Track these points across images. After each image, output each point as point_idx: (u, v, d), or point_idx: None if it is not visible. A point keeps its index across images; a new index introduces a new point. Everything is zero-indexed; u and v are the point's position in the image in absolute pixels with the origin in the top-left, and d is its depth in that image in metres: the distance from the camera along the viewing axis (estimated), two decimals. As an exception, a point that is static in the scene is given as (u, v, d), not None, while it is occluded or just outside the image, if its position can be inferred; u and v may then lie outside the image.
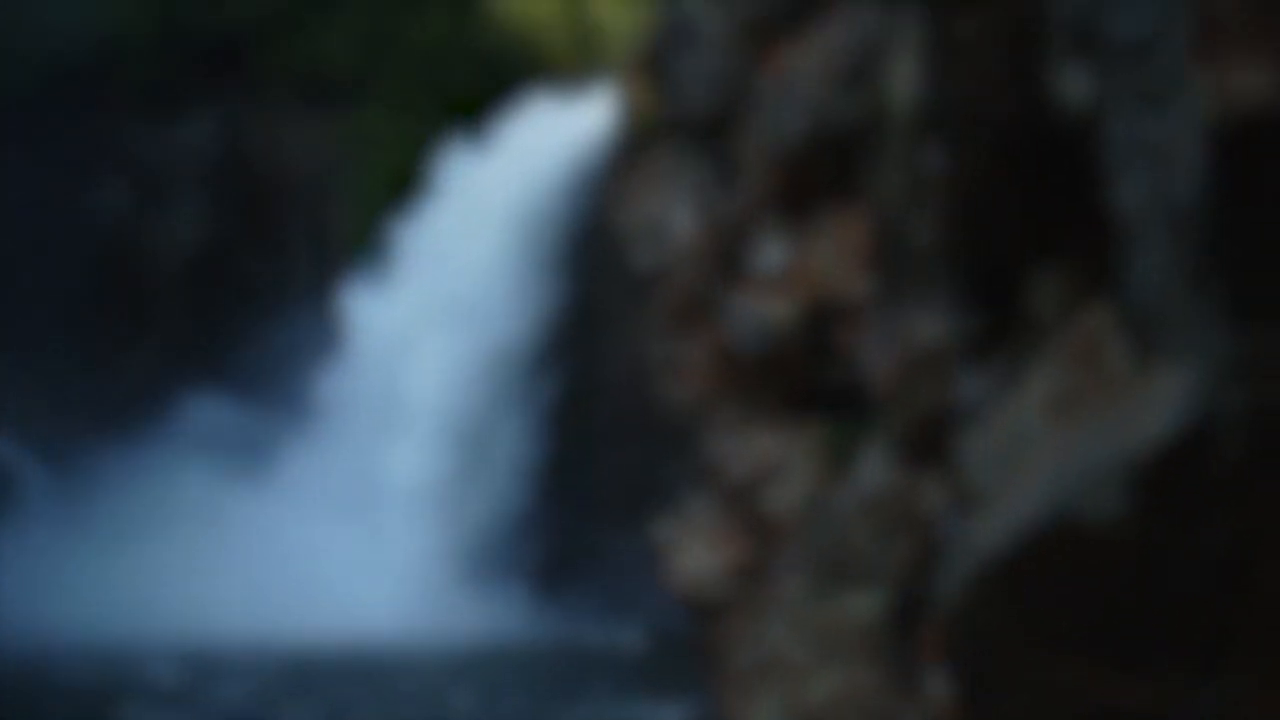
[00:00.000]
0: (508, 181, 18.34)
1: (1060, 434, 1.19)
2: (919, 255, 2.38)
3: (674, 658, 12.72)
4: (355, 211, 20.72)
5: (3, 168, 20.44)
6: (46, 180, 20.90)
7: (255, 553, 17.75)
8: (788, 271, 4.18)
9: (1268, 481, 0.96)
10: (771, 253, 4.37)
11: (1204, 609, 0.96)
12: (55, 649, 16.01)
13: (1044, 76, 1.53)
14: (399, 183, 19.80)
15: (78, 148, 21.18)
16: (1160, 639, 1.01)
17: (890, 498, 2.97)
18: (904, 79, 2.62)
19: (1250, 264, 0.99)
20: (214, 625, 16.37)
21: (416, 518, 17.93)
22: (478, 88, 20.10)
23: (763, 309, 4.23)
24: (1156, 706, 1.01)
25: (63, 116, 21.16)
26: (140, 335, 21.18)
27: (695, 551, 3.78)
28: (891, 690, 2.69)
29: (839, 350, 3.96)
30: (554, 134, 18.08)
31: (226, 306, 21.40)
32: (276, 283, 21.45)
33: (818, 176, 4.03)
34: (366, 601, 16.77)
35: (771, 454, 3.95)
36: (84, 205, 21.28)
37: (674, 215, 4.42)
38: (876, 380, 3.18)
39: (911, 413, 2.63)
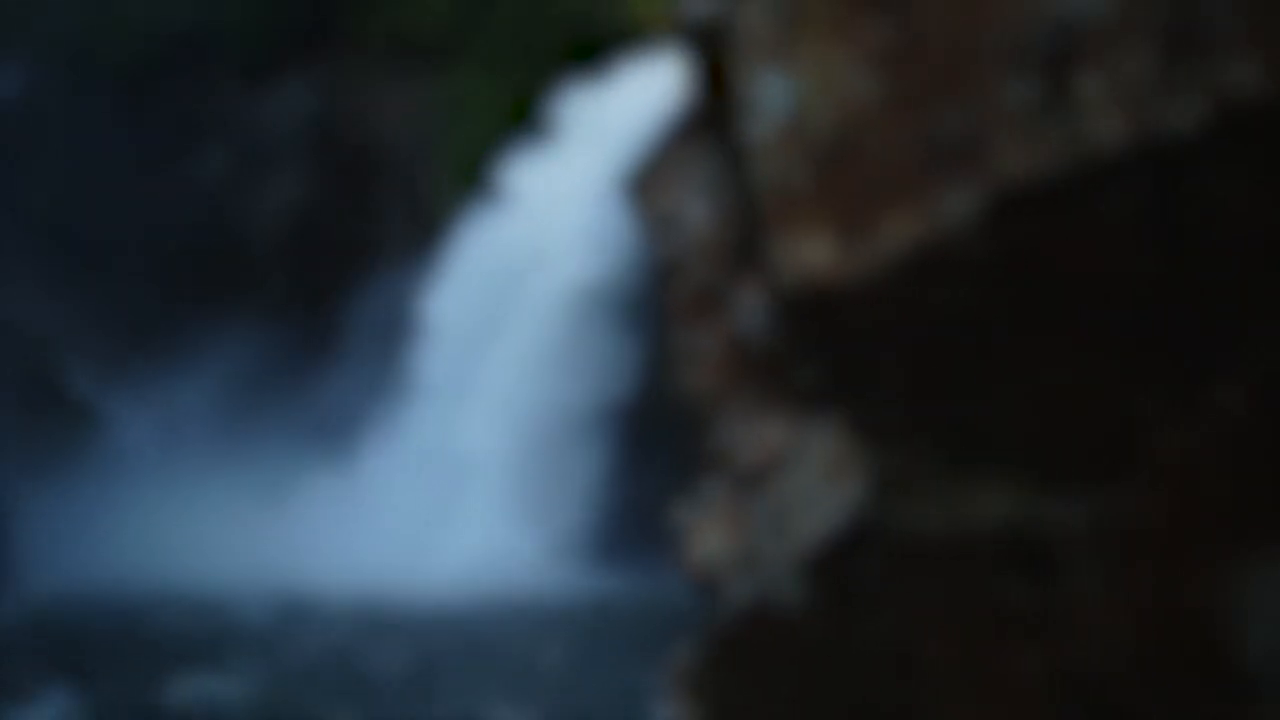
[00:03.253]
0: (615, 128, 18.39)
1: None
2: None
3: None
4: (451, 173, 21.00)
5: (106, 136, 21.05)
6: (149, 148, 21.46)
7: (345, 510, 18.25)
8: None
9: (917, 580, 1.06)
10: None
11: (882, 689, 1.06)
12: (153, 595, 16.67)
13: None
14: (491, 144, 20.04)
15: (179, 116, 21.71)
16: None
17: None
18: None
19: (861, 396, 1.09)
20: (305, 576, 16.91)
21: (499, 486, 18.22)
22: (570, 48, 20.25)
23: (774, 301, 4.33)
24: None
25: (164, 85, 21.69)
26: (240, 300, 21.70)
27: (708, 535, 3.91)
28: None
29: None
30: (648, 92, 18.12)
31: (323, 271, 21.84)
32: (372, 247, 21.84)
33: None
34: (451, 559, 17.16)
35: (782, 443, 4.05)
36: (185, 173, 21.81)
37: (691, 206, 4.53)
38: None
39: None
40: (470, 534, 17.76)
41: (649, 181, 4.63)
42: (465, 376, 18.59)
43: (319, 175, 22.33)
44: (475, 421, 18.43)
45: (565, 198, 18.52)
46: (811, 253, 0.95)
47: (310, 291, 21.84)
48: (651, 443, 18.28)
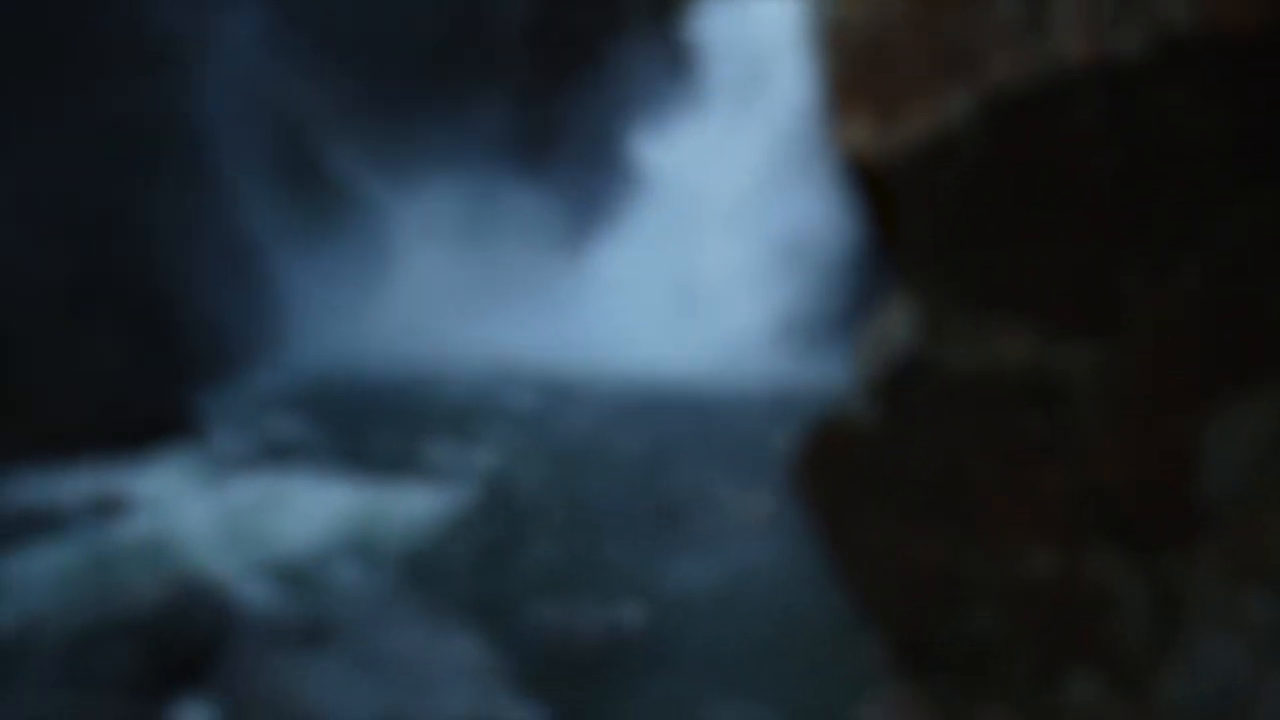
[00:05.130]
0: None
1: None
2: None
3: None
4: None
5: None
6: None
7: (590, 299, 18.86)
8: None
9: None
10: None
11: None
12: (412, 374, 17.72)
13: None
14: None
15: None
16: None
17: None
18: None
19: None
20: (562, 362, 17.72)
21: (734, 279, 18.50)
22: None
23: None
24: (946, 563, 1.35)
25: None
26: (486, 87, 22.17)
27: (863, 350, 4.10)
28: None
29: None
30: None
31: (566, 59, 22.10)
32: (610, 38, 21.94)
33: None
34: (691, 350, 17.66)
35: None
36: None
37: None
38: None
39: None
40: (707, 324, 18.18)
41: None
42: (703, 173, 18.77)
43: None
44: (713, 217, 18.67)
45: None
46: (856, 133, 1.17)
47: (550, 82, 22.17)
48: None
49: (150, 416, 15.12)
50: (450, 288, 19.78)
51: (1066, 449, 1.27)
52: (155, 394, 15.58)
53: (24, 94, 15.55)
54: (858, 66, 1.11)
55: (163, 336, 16.26)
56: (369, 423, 16.10)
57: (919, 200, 1.21)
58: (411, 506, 13.43)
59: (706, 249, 18.70)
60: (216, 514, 13.26)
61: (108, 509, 13.23)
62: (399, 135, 21.27)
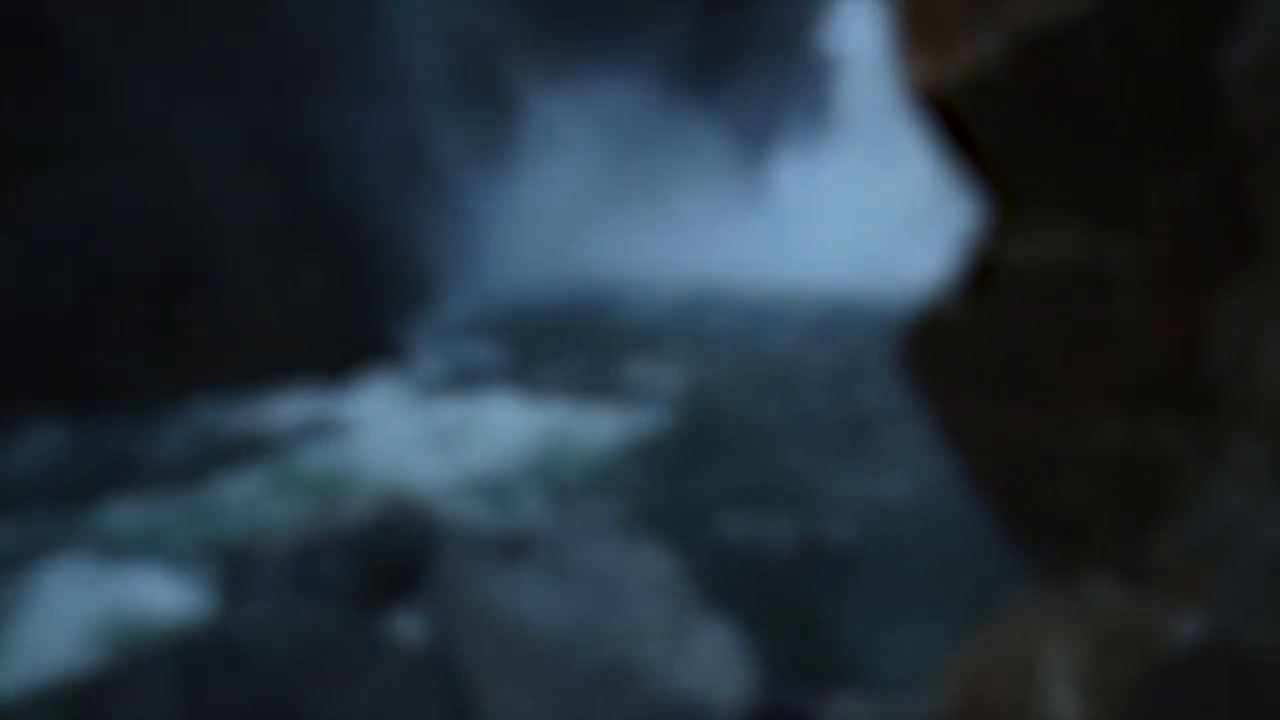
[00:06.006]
0: None
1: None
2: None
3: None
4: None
5: None
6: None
7: (762, 219, 18.99)
8: None
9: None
10: None
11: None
12: (612, 295, 18.14)
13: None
14: None
15: None
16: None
17: None
18: None
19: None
20: (751, 282, 17.93)
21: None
22: None
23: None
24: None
25: None
26: (667, 6, 22.24)
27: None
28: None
29: None
30: None
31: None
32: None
33: None
34: (880, 274, 17.68)
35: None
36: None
37: None
38: None
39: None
40: (899, 249, 18.14)
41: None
42: (884, 107, 18.62)
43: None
44: (899, 148, 18.53)
45: None
46: (918, 70, 1.40)
47: (724, 4, 22.14)
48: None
49: (356, 344, 15.83)
50: (631, 209, 20.05)
51: (1115, 330, 1.48)
52: (360, 323, 16.28)
53: (225, 41, 16.23)
54: (918, 14, 1.34)
55: (366, 267, 16.91)
56: (560, 344, 16.58)
57: (976, 122, 1.43)
58: (603, 426, 13.86)
59: (894, 175, 18.62)
60: (419, 435, 13.89)
61: (321, 430, 13.99)
62: (578, 57, 21.48)
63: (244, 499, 12.48)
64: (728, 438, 13.73)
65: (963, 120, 1.41)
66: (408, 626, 9.16)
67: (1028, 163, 1.44)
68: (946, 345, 1.57)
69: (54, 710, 8.60)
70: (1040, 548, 1.64)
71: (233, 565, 10.12)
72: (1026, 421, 1.59)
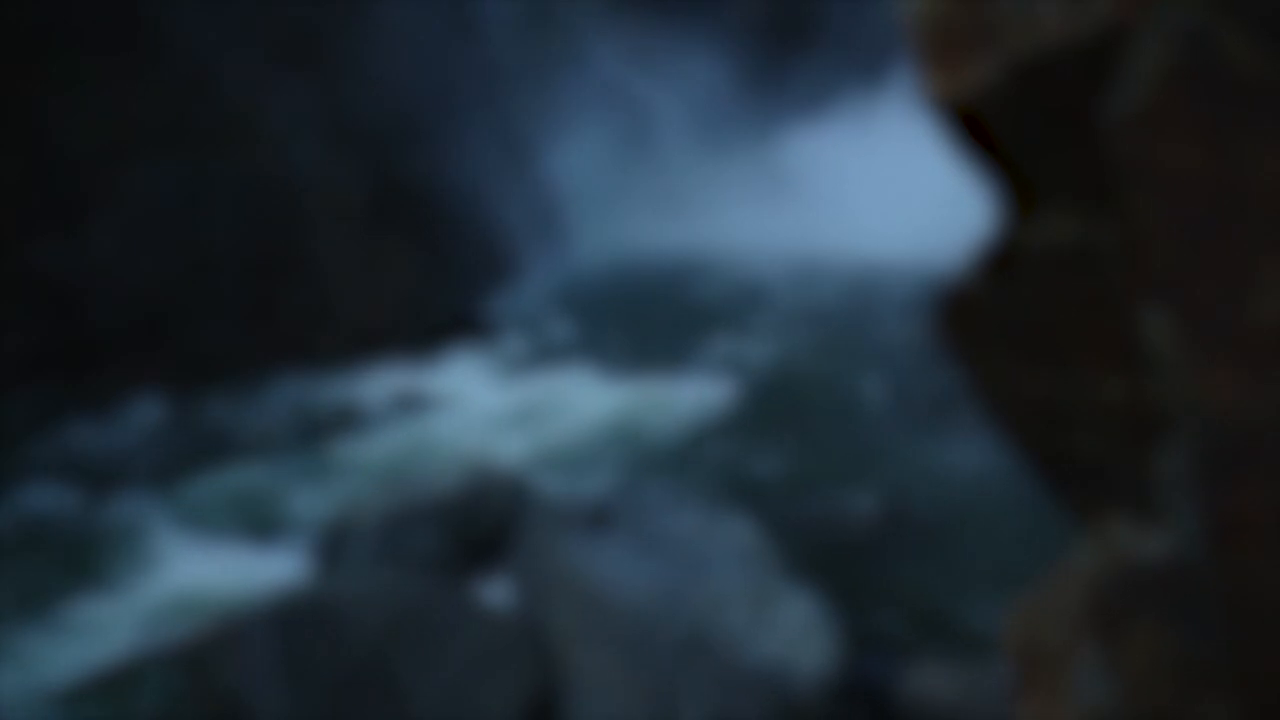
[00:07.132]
0: None
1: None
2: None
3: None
4: None
5: None
6: None
7: (844, 186, 19.07)
8: None
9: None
10: None
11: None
12: (682, 261, 18.34)
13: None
14: None
15: None
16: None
17: None
18: None
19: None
20: (833, 253, 18.05)
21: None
22: None
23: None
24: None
25: None
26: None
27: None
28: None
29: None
30: None
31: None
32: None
33: None
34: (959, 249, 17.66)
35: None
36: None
37: None
38: None
39: None
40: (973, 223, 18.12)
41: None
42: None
43: None
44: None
45: None
46: (937, 84, 1.60)
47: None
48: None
49: (443, 320, 16.17)
50: (711, 178, 20.18)
51: (1111, 309, 1.68)
52: (447, 299, 16.61)
53: (312, 24, 16.55)
54: (933, 37, 1.54)
55: (453, 243, 17.22)
56: (642, 316, 16.79)
57: (993, 128, 1.62)
58: (684, 398, 14.08)
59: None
60: (506, 408, 14.21)
61: (409, 404, 14.36)
62: (658, 26, 21.57)
63: (337, 471, 12.87)
64: (808, 409, 13.88)
65: (983, 125, 1.61)
66: (495, 594, 9.43)
67: (1038, 162, 1.65)
68: (975, 316, 1.78)
69: (164, 672, 9.00)
70: (1069, 494, 1.85)
71: (328, 535, 10.48)
72: (1046, 381, 1.80)
